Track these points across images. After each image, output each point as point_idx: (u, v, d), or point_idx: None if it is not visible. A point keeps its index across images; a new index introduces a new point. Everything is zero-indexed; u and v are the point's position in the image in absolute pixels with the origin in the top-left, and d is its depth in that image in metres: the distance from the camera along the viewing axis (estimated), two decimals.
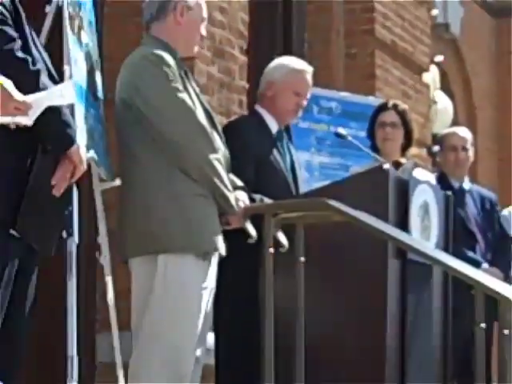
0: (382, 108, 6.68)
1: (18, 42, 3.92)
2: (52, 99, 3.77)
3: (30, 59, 3.92)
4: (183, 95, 4.79)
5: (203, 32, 5.11)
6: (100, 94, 5.12)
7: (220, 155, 4.83)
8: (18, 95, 3.54)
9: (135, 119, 4.87)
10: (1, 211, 3.85)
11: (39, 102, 3.64)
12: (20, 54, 3.89)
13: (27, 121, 3.65)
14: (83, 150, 4.19)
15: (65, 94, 3.86)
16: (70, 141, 4.04)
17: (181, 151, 4.77)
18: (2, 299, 3.87)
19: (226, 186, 4.78)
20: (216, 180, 4.75)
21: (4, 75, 3.53)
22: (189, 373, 4.69)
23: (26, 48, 3.97)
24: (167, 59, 4.81)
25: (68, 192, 4.20)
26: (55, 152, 4.02)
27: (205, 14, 5.08)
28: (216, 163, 4.78)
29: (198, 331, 4.71)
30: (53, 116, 3.93)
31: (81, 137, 4.42)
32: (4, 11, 3.90)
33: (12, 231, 3.87)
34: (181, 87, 4.80)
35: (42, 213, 4.01)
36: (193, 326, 4.70)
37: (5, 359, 3.89)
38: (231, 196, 4.80)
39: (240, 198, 4.93)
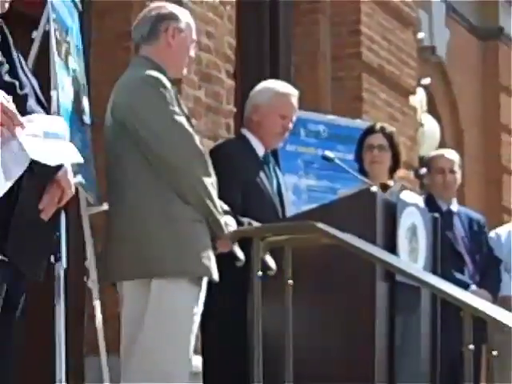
0: (370, 131, 6.68)
1: (6, 66, 3.92)
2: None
3: (17, 83, 3.91)
4: (181, 118, 4.77)
5: (192, 54, 5.11)
6: (87, 118, 5.12)
7: (213, 180, 4.84)
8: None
9: (131, 142, 4.82)
10: None
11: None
12: (7, 78, 3.89)
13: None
14: (71, 174, 4.17)
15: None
16: (56, 165, 4.03)
17: (179, 176, 4.74)
18: None
19: (218, 211, 4.77)
20: (210, 205, 4.73)
21: None
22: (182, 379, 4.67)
23: (13, 72, 3.97)
24: (164, 81, 4.80)
25: (56, 216, 4.19)
26: (42, 176, 4.01)
27: (194, 36, 5.07)
28: (211, 188, 4.76)
29: (190, 356, 4.69)
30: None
31: (68, 160, 4.41)
32: None
33: (0, 256, 3.87)
34: (178, 110, 4.78)
35: (30, 237, 3.99)
36: (185, 352, 4.68)
37: None
38: (222, 221, 4.79)
39: (228, 223, 4.93)
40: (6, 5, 4.11)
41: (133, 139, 4.82)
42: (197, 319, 4.75)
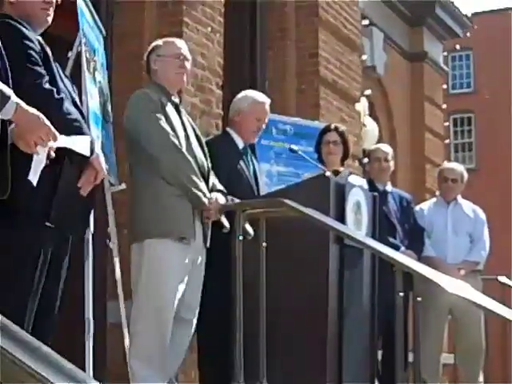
0: (326, 130, 6.68)
1: (46, 77, 3.88)
2: (72, 145, 3.73)
3: (54, 90, 3.88)
4: (162, 122, 4.81)
5: (187, 65, 5.09)
6: (109, 118, 5.12)
7: (194, 165, 4.84)
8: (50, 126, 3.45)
9: (129, 139, 4.92)
10: (38, 208, 3.82)
11: (62, 140, 3.57)
12: (47, 86, 3.86)
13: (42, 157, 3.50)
14: (102, 158, 4.15)
15: (83, 146, 3.82)
16: (90, 151, 4.00)
17: (160, 163, 4.79)
18: (40, 277, 3.84)
19: (196, 188, 4.78)
20: (187, 184, 4.77)
21: (34, 104, 3.42)
22: (168, 321, 4.71)
23: (53, 81, 3.93)
24: (151, 95, 4.87)
25: (93, 192, 4.17)
26: (79, 161, 3.97)
27: (179, 51, 5.04)
28: (188, 172, 4.79)
29: (175, 297, 4.72)
30: (79, 133, 3.90)
31: (99, 149, 4.40)
32: (34, 54, 3.87)
33: (47, 223, 3.85)
34: (160, 115, 4.82)
35: (71, 208, 3.97)
36: (170, 292, 4.71)
37: (43, 325, 3.86)
38: (201, 195, 4.79)
39: (217, 197, 4.91)
40: (49, 18, 4.09)
41: (128, 137, 4.91)
42: (185, 269, 4.77)
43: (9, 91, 3.23)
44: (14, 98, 3.22)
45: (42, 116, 3.36)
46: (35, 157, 3.42)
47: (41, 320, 3.86)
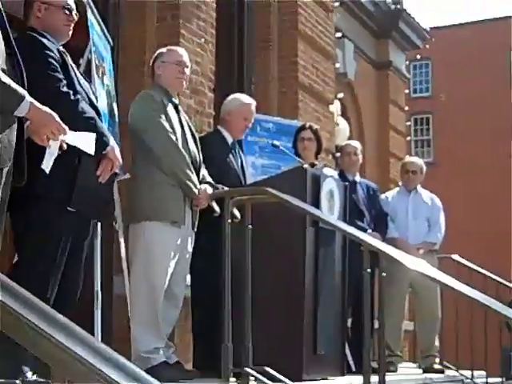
0: (302, 128, 6.70)
1: (64, 82, 3.90)
2: (78, 141, 3.71)
3: (71, 92, 3.90)
4: (162, 120, 4.82)
5: (187, 72, 5.10)
6: (116, 117, 5.11)
7: (188, 159, 4.86)
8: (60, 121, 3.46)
9: (132, 135, 4.94)
10: (60, 195, 3.83)
11: (70, 136, 3.57)
12: (64, 89, 3.87)
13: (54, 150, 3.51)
14: (117, 149, 4.15)
15: (87, 143, 3.79)
16: (106, 145, 4.01)
17: (158, 156, 4.80)
18: (62, 256, 3.84)
19: (189, 179, 4.80)
20: (181, 176, 4.78)
21: (54, 106, 3.43)
22: (161, 292, 4.73)
23: (71, 85, 3.95)
24: (155, 96, 4.88)
25: (111, 179, 4.20)
26: (96, 153, 3.96)
27: (180, 58, 5.05)
28: (181, 165, 4.81)
29: (167, 273, 4.74)
30: (93, 129, 3.90)
31: (113, 142, 4.40)
32: (54, 62, 3.90)
33: (69, 207, 3.86)
34: (161, 113, 4.83)
35: (91, 194, 3.98)
36: (162, 268, 4.74)
37: (64, 299, 3.86)
38: (193, 186, 4.81)
39: (205, 188, 4.93)
40: (70, 33, 4.11)
41: (132, 134, 4.93)
42: (176, 249, 4.79)
43: (23, 92, 3.22)
44: (28, 98, 3.21)
45: (53, 113, 3.36)
46: (48, 149, 3.44)
47: (65, 296, 3.87)
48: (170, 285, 4.79)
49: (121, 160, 4.16)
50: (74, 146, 3.64)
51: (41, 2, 4.00)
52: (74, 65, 4.10)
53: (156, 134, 4.80)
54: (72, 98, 3.88)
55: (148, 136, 4.82)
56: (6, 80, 3.15)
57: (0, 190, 3.19)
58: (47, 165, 3.49)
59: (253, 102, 5.75)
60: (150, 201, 4.78)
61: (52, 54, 3.90)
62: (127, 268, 5.01)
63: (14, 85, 3.17)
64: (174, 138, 4.82)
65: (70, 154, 3.63)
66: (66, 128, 3.43)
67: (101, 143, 3.95)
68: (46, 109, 3.33)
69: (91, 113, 3.98)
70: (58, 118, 3.39)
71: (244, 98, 5.81)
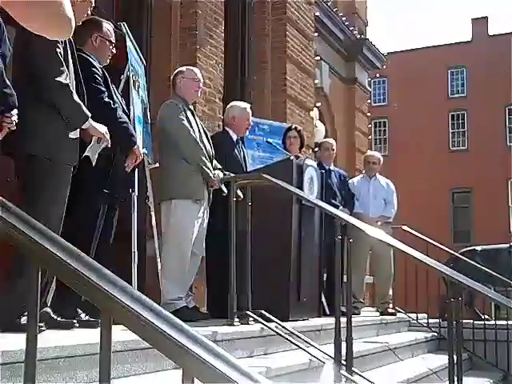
0: (289, 129, 6.70)
1: (106, 93, 3.90)
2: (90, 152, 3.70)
3: (111, 102, 3.90)
4: (184, 122, 4.80)
5: (201, 86, 5.08)
6: (149, 120, 5.09)
7: (205, 151, 4.84)
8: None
9: (161, 133, 4.89)
10: (99, 181, 3.84)
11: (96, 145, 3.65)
12: (106, 99, 3.87)
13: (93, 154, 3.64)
14: (141, 148, 4.17)
15: (94, 152, 3.73)
16: (134, 143, 4.02)
17: (184, 150, 4.78)
18: (100, 223, 3.86)
19: (206, 167, 4.79)
20: (201, 164, 4.77)
21: (97, 112, 3.54)
22: (187, 254, 4.72)
23: (110, 96, 3.94)
24: (178, 104, 4.86)
25: (134, 170, 4.22)
26: (126, 150, 3.99)
27: (196, 76, 5.03)
28: (201, 156, 4.80)
29: (192, 239, 4.73)
30: (125, 133, 3.93)
31: (139, 141, 4.40)
32: (98, 77, 3.90)
33: (104, 190, 3.86)
34: (183, 117, 4.80)
35: (121, 180, 4.01)
36: (189, 236, 4.72)
37: (104, 255, 3.86)
38: (210, 171, 4.81)
39: (218, 173, 4.93)
40: (108, 59, 4.09)
41: (162, 132, 4.87)
42: (197, 223, 4.76)
43: (88, 113, 3.45)
44: (90, 120, 3.48)
45: (102, 129, 3.57)
46: (90, 147, 3.60)
47: (102, 246, 3.89)
48: (192, 247, 4.78)
49: (143, 155, 4.21)
50: (111, 149, 3.74)
51: (99, 35, 4.02)
52: (110, 80, 4.09)
53: (180, 132, 4.79)
54: (112, 106, 3.90)
55: (174, 134, 4.80)
56: (78, 100, 3.34)
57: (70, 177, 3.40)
58: (92, 155, 3.62)
59: (248, 105, 5.74)
60: (177, 184, 4.76)
61: (97, 71, 3.91)
62: (157, 235, 5.01)
63: (82, 106, 3.30)
64: (194, 135, 4.81)
65: (107, 152, 3.73)
66: (108, 138, 3.59)
67: (130, 141, 3.99)
68: (98, 126, 3.53)
69: (125, 118, 4.02)
70: (103, 130, 3.56)
71: (241, 103, 5.78)
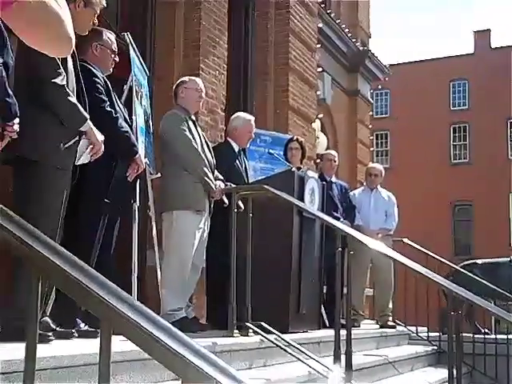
0: (291, 140, 6.71)
1: (107, 102, 3.91)
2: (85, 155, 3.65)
3: (113, 111, 3.91)
4: (186, 132, 4.80)
5: (203, 96, 5.09)
6: (151, 130, 5.10)
7: (206, 162, 4.83)
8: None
9: (163, 144, 4.88)
10: (100, 190, 3.85)
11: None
12: (108, 108, 3.89)
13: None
14: (143, 158, 4.18)
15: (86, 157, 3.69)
16: (135, 153, 4.02)
17: (184, 160, 4.77)
18: (100, 233, 3.86)
19: (208, 177, 4.79)
20: (202, 175, 4.76)
21: (98, 121, 3.53)
22: (188, 265, 4.70)
23: (112, 106, 3.95)
24: (180, 115, 4.84)
25: (136, 180, 4.23)
26: (127, 159, 4.00)
27: (198, 86, 5.03)
28: (202, 167, 4.79)
29: (193, 250, 4.71)
30: (127, 142, 3.93)
31: (141, 151, 4.40)
32: (100, 87, 3.92)
33: (106, 200, 3.86)
34: (185, 128, 4.80)
35: (121, 190, 4.00)
36: (190, 246, 4.70)
37: (105, 266, 3.86)
38: (211, 182, 4.80)
39: (220, 184, 4.93)
40: (111, 68, 4.11)
41: (163, 142, 4.86)
42: (198, 233, 4.75)
43: (86, 114, 3.39)
44: (89, 123, 3.42)
45: (99, 137, 3.53)
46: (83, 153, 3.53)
47: (103, 256, 3.89)
48: (193, 257, 4.77)
49: (145, 164, 4.20)
50: (112, 158, 3.75)
51: (99, 44, 4.03)
52: (112, 90, 4.10)
53: (182, 143, 4.79)
54: (113, 115, 3.92)
55: (176, 144, 4.80)
56: (75, 101, 3.35)
57: (69, 186, 3.37)
58: (78, 157, 3.52)
59: (252, 118, 5.74)
60: (178, 194, 4.75)
61: (99, 81, 3.93)
62: (157, 245, 5.01)
63: (80, 107, 3.28)
64: (195, 146, 4.81)
65: (108, 159, 3.73)
66: (101, 148, 3.55)
67: (131, 151, 4.00)
68: (96, 132, 3.49)
69: (126, 127, 4.03)
70: (100, 138, 3.52)
71: (246, 115, 5.79)
